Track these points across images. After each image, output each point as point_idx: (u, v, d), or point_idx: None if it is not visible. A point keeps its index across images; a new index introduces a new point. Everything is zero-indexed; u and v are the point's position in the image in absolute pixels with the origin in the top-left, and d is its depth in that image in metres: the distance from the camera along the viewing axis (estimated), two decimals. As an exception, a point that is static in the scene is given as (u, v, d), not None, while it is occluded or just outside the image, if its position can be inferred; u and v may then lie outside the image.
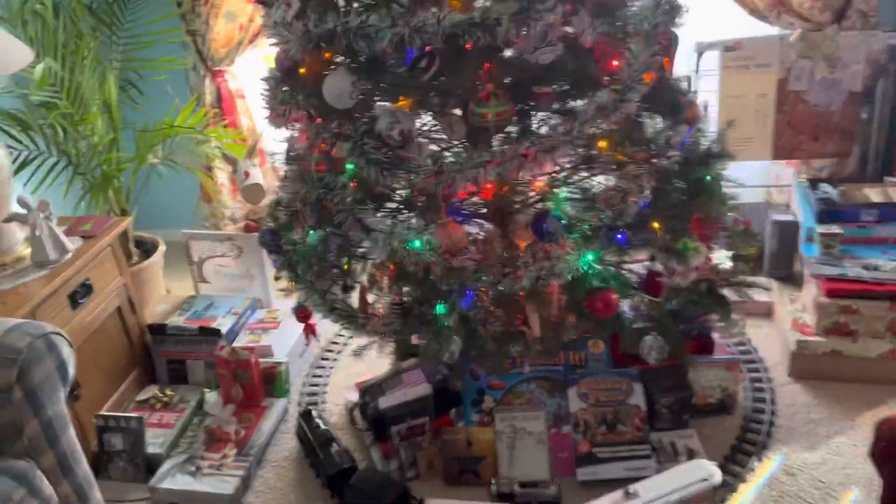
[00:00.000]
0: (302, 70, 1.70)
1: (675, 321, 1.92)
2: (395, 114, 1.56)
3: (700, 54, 2.43)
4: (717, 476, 1.59)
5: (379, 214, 1.74)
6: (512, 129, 1.67)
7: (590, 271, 1.65)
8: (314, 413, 2.11)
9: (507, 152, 1.49)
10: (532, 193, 1.85)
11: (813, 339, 2.13)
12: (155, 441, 2.10)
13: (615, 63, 1.50)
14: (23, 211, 2.00)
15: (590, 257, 1.61)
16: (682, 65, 2.33)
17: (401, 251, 1.59)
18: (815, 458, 1.90)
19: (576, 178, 1.84)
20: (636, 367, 1.98)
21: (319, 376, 2.40)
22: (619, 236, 1.67)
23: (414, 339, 1.99)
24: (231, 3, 2.64)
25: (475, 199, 1.88)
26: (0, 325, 1.52)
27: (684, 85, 1.80)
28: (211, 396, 2.26)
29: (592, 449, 1.90)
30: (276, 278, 2.08)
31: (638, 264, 1.89)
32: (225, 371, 2.21)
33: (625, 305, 1.85)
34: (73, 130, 2.50)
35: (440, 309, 1.71)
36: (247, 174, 2.51)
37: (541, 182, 1.78)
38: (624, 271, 1.85)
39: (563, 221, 1.56)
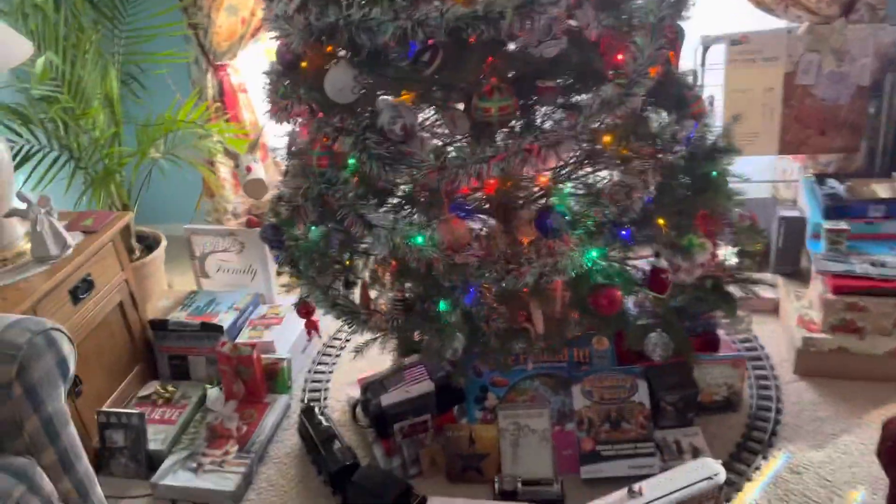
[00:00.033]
0: (303, 64, 1.68)
1: (680, 318, 1.91)
2: (398, 108, 1.55)
3: (706, 48, 2.42)
4: (721, 475, 1.58)
5: (381, 210, 1.73)
6: (516, 123, 1.65)
7: (594, 268, 1.64)
8: (316, 409, 2.10)
9: (511, 147, 1.48)
10: (536, 189, 1.83)
11: (819, 336, 2.11)
12: (156, 437, 2.10)
13: (620, 57, 1.48)
14: (23, 206, 2.00)
15: (594, 254, 1.60)
16: (688, 59, 2.32)
17: (403, 247, 1.58)
18: (821, 456, 1.89)
19: (580, 173, 1.83)
20: (641, 364, 1.97)
21: (322, 372, 2.40)
22: (624, 232, 1.66)
23: (416, 336, 1.98)
24: (233, -3, 2.63)
25: (478, 194, 1.87)
26: (-1, 320, 1.52)
27: (690, 79, 1.78)
28: (213, 393, 2.25)
29: (596, 447, 1.89)
30: (279, 274, 2.07)
31: (642, 261, 1.87)
32: (227, 367, 2.20)
33: (629, 302, 1.85)
34: (75, 125, 2.49)
35: (443, 305, 1.70)
36: (248, 169, 2.50)
37: (545, 177, 1.76)
38: (628, 268, 1.83)
39: (566, 217, 1.55)
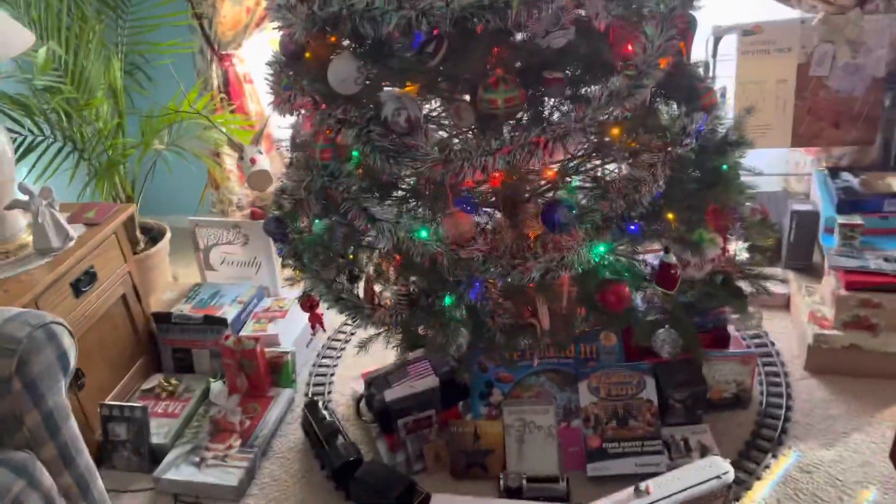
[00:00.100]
0: (307, 54, 1.66)
1: (690, 314, 1.89)
2: (402, 100, 1.52)
3: (718, 38, 2.38)
4: (730, 473, 1.56)
5: (385, 203, 1.71)
6: (522, 115, 1.63)
7: (602, 263, 1.62)
8: (320, 404, 2.09)
9: (517, 140, 1.45)
10: (543, 182, 1.81)
11: (831, 333, 2.08)
12: (159, 431, 2.09)
13: (630, 47, 1.46)
14: (25, 198, 1.98)
15: (602, 248, 1.58)
16: (699, 49, 2.29)
17: (407, 241, 1.57)
18: (831, 455, 1.86)
19: (588, 166, 1.81)
20: (649, 360, 1.95)
21: (326, 366, 2.38)
22: (632, 227, 1.63)
23: (421, 331, 1.96)
24: (238, -14, 2.60)
25: (484, 188, 1.84)
26: (-1, 314, 1.51)
27: (701, 70, 1.76)
28: (216, 386, 2.24)
29: (603, 444, 1.87)
30: (283, 266, 2.06)
31: (651, 256, 1.85)
32: (230, 361, 2.19)
33: (638, 298, 1.82)
34: (78, 116, 2.48)
35: (448, 300, 1.69)
36: (253, 161, 2.47)
37: (552, 171, 1.74)
38: (637, 263, 1.81)
39: (574, 211, 1.53)
